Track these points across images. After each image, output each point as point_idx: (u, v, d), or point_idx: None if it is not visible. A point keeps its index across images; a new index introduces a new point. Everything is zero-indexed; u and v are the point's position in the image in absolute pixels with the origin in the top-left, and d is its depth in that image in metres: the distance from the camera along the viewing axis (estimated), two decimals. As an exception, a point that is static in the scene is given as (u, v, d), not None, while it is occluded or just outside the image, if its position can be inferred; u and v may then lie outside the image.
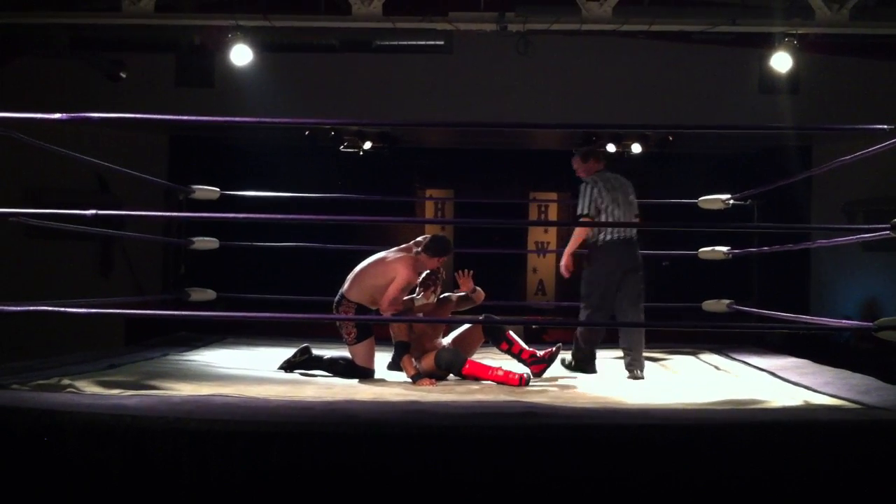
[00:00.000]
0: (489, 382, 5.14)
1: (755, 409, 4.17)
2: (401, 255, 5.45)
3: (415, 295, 5.46)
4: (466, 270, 5.68)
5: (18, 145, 4.87)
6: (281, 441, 3.41)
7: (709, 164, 10.17)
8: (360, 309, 5.36)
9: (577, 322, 6.03)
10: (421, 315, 5.40)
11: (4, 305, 4.63)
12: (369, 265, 5.46)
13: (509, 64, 8.38)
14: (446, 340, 5.45)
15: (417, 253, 5.43)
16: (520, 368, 5.33)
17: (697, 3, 7.77)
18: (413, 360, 5.22)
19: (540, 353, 5.49)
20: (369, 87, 9.36)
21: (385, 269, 5.36)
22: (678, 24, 6.90)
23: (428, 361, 5.24)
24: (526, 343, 5.63)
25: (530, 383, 5.10)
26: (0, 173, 9.07)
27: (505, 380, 5.10)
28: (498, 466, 3.40)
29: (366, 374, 5.33)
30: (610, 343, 7.35)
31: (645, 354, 6.69)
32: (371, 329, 5.38)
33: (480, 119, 8.89)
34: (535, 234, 11.51)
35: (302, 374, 5.43)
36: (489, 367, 5.25)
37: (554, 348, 5.51)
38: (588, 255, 5.80)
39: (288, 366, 5.50)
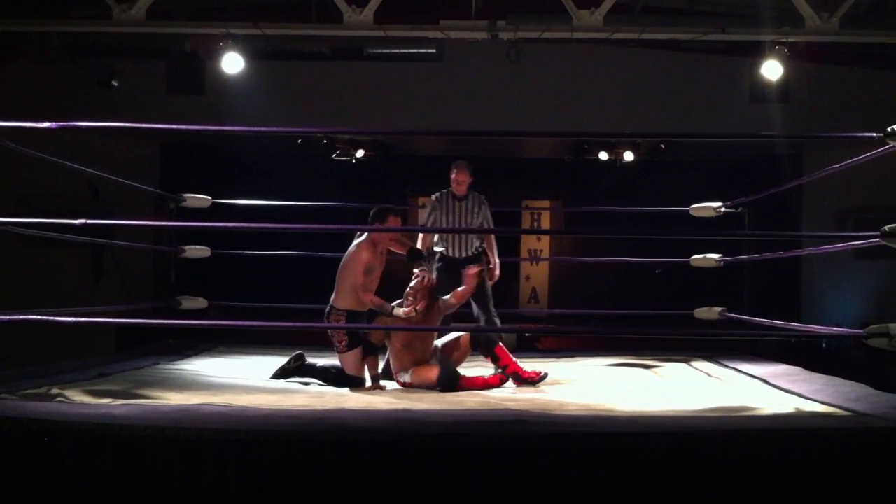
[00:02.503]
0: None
1: (746, 417, 4.17)
2: (355, 243, 5.43)
3: (395, 305, 5.40)
4: (477, 266, 5.65)
5: (9, 152, 4.85)
6: (271, 450, 3.40)
7: (700, 172, 10.18)
8: (351, 316, 5.35)
9: (574, 329, 6.05)
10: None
11: (-6, 314, 4.61)
12: (340, 269, 5.45)
13: (500, 72, 8.39)
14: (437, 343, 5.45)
15: (367, 231, 5.38)
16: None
17: (688, 12, 7.80)
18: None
19: (526, 372, 5.45)
20: (361, 95, 9.36)
21: (351, 266, 5.36)
22: (669, 33, 6.91)
23: (420, 374, 5.21)
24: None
25: (519, 387, 5.18)
26: (-9, 180, 9.06)
27: (490, 382, 5.16)
28: (487, 474, 3.39)
29: (356, 383, 5.32)
30: (604, 350, 7.39)
31: (637, 361, 6.73)
32: (361, 337, 5.36)
33: (472, 127, 8.89)
34: (528, 242, 11.49)
35: (292, 382, 5.42)
36: (481, 379, 5.28)
37: (541, 373, 5.46)
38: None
39: (281, 373, 5.49)
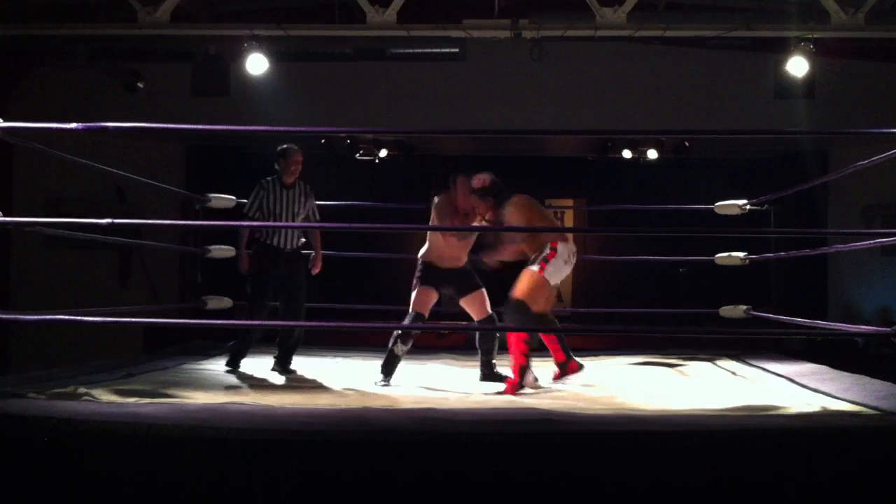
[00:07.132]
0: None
1: (773, 416, 4.15)
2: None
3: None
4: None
5: (37, 155, 4.90)
6: (296, 449, 3.41)
7: (725, 169, 10.13)
8: (426, 266, 5.59)
9: (598, 328, 6.01)
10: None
11: (22, 314, 4.66)
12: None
13: (523, 71, 8.39)
14: None
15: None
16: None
17: (712, 8, 7.76)
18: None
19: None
20: (384, 95, 9.38)
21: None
22: (693, 30, 6.88)
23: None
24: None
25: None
26: (19, 183, 9.15)
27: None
28: (514, 474, 3.39)
29: (415, 317, 5.49)
30: (628, 349, 7.36)
31: (662, 360, 6.69)
32: (430, 281, 5.54)
33: (495, 126, 8.89)
34: (552, 241, 11.47)
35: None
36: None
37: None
38: None
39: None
